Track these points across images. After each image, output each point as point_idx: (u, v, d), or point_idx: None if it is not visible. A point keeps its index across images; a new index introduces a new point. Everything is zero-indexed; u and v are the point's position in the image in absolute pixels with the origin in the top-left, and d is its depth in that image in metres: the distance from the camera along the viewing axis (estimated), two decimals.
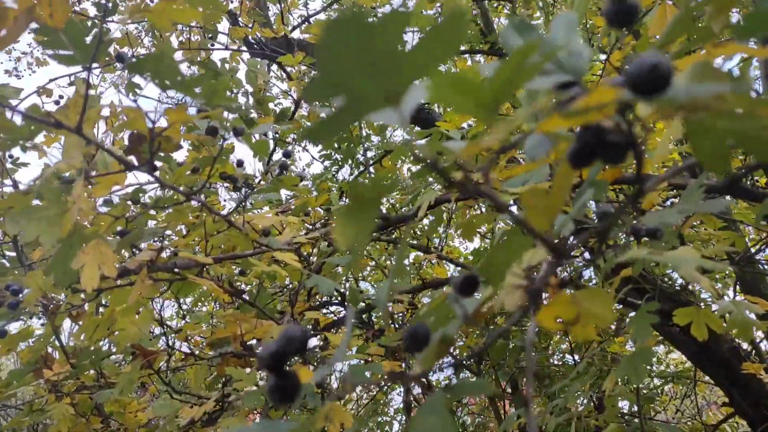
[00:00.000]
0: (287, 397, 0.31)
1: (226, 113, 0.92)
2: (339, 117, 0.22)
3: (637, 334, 0.76)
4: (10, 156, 1.41)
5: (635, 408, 3.27)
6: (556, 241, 0.36)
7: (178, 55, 2.32)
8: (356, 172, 2.45)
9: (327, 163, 2.53)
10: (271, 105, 2.44)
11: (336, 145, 2.47)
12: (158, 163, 0.96)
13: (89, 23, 0.58)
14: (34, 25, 0.61)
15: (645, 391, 2.70)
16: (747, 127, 0.35)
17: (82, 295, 1.00)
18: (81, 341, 1.34)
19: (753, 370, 1.39)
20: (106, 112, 1.01)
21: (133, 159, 0.69)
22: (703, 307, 0.84)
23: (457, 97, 0.28)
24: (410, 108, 0.27)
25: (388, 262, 2.74)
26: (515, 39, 0.35)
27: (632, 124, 0.32)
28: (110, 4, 0.64)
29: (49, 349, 1.85)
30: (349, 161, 2.57)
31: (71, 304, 0.96)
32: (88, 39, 0.60)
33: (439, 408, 0.30)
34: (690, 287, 1.73)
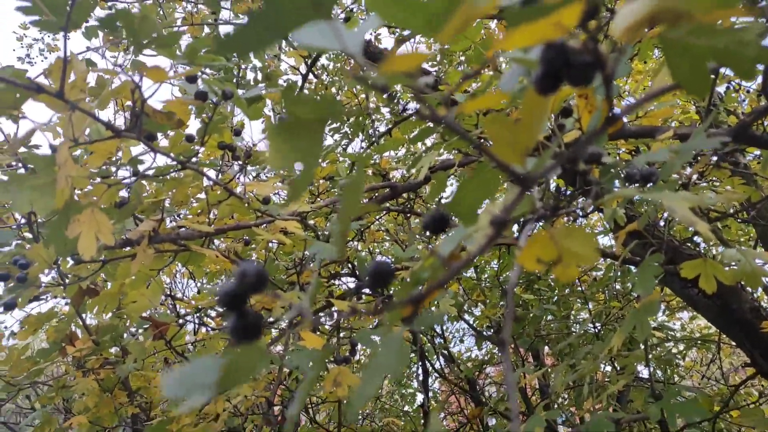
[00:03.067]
0: (247, 333, 0.31)
1: (241, 92, 0.91)
2: (260, 25, 0.21)
3: (640, 287, 0.74)
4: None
5: (658, 374, 3.25)
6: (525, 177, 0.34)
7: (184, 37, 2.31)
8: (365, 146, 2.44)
9: (337, 136, 2.52)
10: (280, 81, 2.42)
11: (345, 119, 2.45)
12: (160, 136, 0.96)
13: None
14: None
15: (663, 354, 2.67)
16: (727, 44, 0.33)
17: (88, 266, 1.01)
18: (95, 315, 1.36)
19: None
20: (92, 77, 1.01)
21: (121, 126, 0.69)
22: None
23: (402, 12, 0.26)
24: (357, 39, 0.26)
25: (401, 233, 2.73)
26: None
27: (598, 41, 0.30)
28: None
29: (73, 328, 1.90)
30: (359, 135, 2.55)
31: (78, 276, 0.97)
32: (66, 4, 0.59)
33: (397, 342, 0.30)
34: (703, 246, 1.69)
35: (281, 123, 0.24)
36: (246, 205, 1.10)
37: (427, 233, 0.34)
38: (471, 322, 3.51)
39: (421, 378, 2.30)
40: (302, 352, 1.02)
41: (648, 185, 0.57)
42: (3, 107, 0.61)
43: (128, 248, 0.96)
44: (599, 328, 3.04)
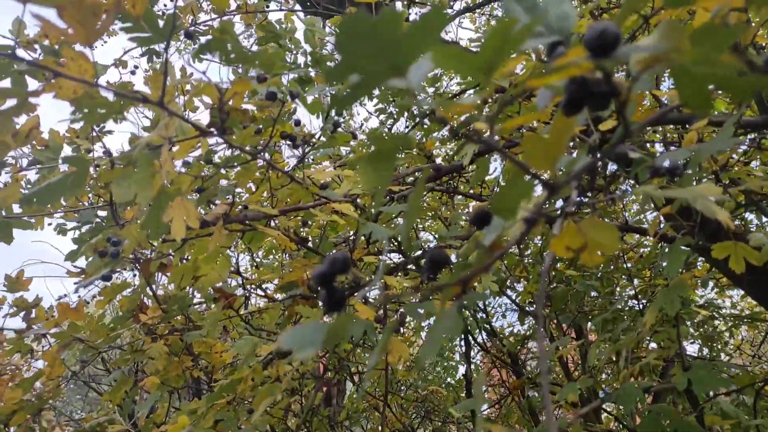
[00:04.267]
0: (335, 305, 0.41)
1: (284, 77, 1.01)
2: (356, 90, 0.30)
3: (669, 269, 0.80)
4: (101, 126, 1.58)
5: (705, 352, 3.24)
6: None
7: (237, 23, 2.42)
8: (411, 125, 2.51)
9: (382, 117, 2.59)
10: (329, 63, 2.51)
11: (391, 99, 2.53)
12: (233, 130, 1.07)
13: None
14: None
15: (706, 332, 2.68)
16: (725, 73, 0.40)
17: (171, 246, 1.14)
18: (170, 290, 1.52)
19: None
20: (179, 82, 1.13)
21: (205, 125, 0.80)
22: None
23: (458, 65, 0.35)
24: (419, 77, 0.34)
25: (447, 211, 2.80)
26: (514, 6, 0.40)
27: (611, 75, 0.37)
28: None
29: (144, 299, 2.09)
30: (404, 114, 2.62)
31: (162, 253, 1.11)
32: (161, 23, 0.70)
33: (453, 314, 0.39)
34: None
35: (369, 155, 0.33)
36: (306, 189, 1.21)
37: (473, 227, 0.42)
38: (513, 298, 3.58)
39: (464, 350, 2.40)
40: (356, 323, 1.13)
41: (675, 178, 0.64)
42: (111, 113, 0.73)
43: (207, 228, 1.08)
44: (644, 304, 3.06)
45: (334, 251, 0.39)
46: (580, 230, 0.48)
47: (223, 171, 1.13)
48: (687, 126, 0.97)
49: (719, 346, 3.40)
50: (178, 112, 0.72)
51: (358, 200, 1.40)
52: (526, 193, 0.43)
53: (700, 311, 2.90)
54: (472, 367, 3.70)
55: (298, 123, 1.15)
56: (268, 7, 2.55)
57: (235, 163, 1.02)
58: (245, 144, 0.98)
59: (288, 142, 1.11)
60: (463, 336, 2.46)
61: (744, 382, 1.39)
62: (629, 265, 3.20)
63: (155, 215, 0.84)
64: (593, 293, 3.29)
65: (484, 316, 3.71)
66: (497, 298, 4.07)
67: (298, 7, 2.74)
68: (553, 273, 3.43)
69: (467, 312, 3.67)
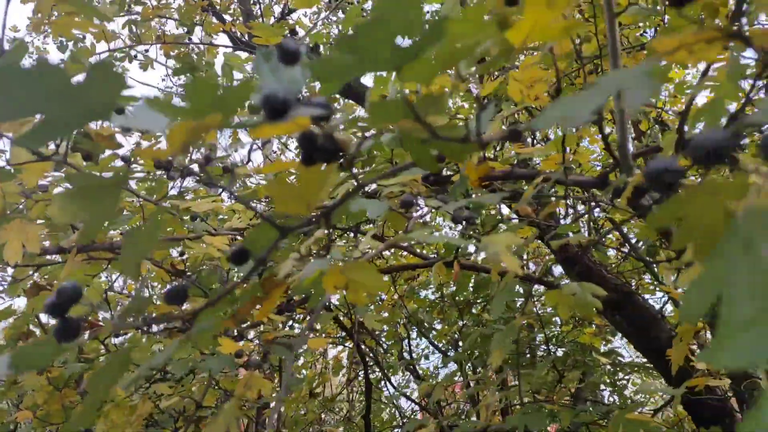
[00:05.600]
0: (68, 335, 0.42)
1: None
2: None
3: (494, 308, 0.86)
4: None
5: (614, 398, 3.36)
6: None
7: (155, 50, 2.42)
8: None
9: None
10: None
11: None
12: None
13: None
14: None
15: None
16: (442, 140, 0.45)
17: (30, 270, 1.11)
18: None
19: (675, 358, 1.47)
20: None
21: (44, 151, 0.81)
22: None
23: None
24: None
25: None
26: (263, 66, 0.45)
27: (333, 132, 0.42)
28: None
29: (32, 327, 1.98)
30: None
31: (14, 279, 1.08)
32: None
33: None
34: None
35: (71, 191, 0.35)
36: (180, 220, 1.21)
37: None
38: (433, 340, 3.62)
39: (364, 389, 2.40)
40: (216, 358, 1.13)
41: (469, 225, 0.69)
42: None
43: (59, 254, 1.06)
44: (555, 348, 3.17)
45: (64, 282, 0.40)
46: (343, 271, 0.52)
47: None
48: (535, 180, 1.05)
49: (627, 393, 3.52)
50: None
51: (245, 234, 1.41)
52: (273, 235, 0.47)
53: (601, 359, 3.02)
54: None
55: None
56: (190, 39, 2.58)
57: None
58: (104, 171, 0.98)
59: (161, 172, 1.12)
60: (363, 374, 2.46)
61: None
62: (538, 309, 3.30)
63: None
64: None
65: (410, 357, 3.71)
66: (421, 338, 4.10)
67: (223, 42, 2.78)
68: (468, 316, 3.52)
69: (387, 353, 3.68)
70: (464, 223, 0.68)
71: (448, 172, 1.08)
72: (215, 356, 1.10)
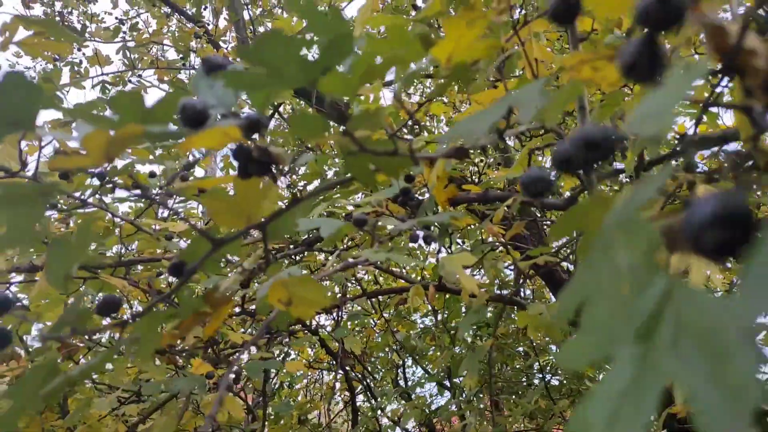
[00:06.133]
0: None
1: None
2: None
3: (462, 328, 0.85)
4: None
5: None
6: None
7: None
8: None
9: None
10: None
11: None
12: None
13: None
14: None
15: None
16: (369, 153, 0.46)
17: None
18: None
19: None
20: None
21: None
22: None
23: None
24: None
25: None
26: (200, 81, 0.46)
27: (265, 147, 0.43)
28: None
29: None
30: None
31: None
32: None
33: None
34: None
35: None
36: (157, 240, 1.22)
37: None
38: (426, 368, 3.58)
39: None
40: (186, 379, 1.12)
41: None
42: None
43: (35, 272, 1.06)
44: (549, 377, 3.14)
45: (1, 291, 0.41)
46: (286, 286, 0.52)
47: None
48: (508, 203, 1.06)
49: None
50: None
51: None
52: (206, 246, 0.47)
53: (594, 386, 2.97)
54: None
55: (153, 175, 1.18)
56: (185, 65, 2.63)
57: (72, 210, 1.03)
58: (78, 190, 0.99)
59: (137, 191, 1.13)
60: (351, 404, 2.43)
61: None
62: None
63: None
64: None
65: (405, 385, 3.66)
66: (415, 367, 4.05)
67: None
68: (459, 342, 3.49)
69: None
70: (425, 241, 0.69)
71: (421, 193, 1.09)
72: (186, 377, 1.09)
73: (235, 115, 0.41)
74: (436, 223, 0.68)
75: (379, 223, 0.75)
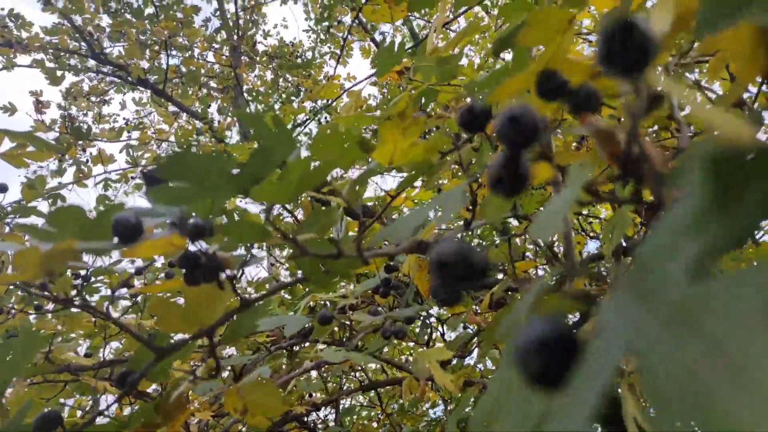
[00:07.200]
0: None
1: None
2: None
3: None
4: None
5: None
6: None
7: None
8: None
9: None
10: None
11: None
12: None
13: None
14: None
15: None
16: (312, 256, 0.46)
17: None
18: None
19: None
20: None
21: None
22: None
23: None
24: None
25: None
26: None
27: (212, 254, 0.43)
28: None
29: None
30: None
31: None
32: None
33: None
34: None
35: None
36: (138, 338, 1.19)
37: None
38: None
39: None
40: None
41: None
42: None
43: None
44: None
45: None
46: (239, 392, 0.50)
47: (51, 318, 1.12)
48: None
49: None
50: None
51: None
52: (167, 340, 0.46)
53: None
54: None
55: (139, 272, 1.19)
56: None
57: (56, 310, 1.02)
58: (64, 291, 0.99)
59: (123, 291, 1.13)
60: None
61: None
62: None
63: None
64: None
65: None
66: None
67: None
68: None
69: None
70: (396, 336, 0.67)
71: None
72: None
73: (183, 223, 0.42)
74: (402, 318, 0.67)
75: (354, 317, 0.74)
